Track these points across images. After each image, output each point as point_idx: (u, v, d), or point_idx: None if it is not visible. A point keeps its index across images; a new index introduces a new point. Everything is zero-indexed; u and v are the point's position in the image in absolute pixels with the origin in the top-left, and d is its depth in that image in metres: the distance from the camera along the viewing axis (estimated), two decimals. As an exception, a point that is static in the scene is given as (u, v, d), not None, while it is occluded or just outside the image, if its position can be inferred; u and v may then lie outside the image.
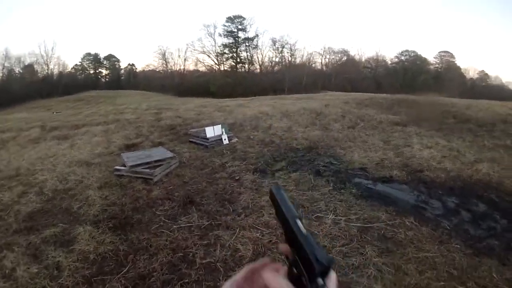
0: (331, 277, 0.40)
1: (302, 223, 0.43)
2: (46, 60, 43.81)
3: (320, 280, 0.38)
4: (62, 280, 2.75)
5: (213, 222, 3.40)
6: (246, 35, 45.14)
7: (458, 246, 2.95)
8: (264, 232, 3.16)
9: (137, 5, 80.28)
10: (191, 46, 47.79)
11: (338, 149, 6.22)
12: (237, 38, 45.08)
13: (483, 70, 46.19)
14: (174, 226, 3.31)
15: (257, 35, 45.01)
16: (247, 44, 45.24)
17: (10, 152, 7.12)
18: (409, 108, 11.10)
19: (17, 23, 70.53)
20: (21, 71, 42.41)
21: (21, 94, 32.96)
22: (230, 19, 44.91)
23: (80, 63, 51.45)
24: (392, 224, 3.31)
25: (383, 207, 3.67)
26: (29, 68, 42.87)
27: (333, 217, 3.44)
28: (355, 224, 3.31)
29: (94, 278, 2.75)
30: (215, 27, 45.22)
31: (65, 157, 6.25)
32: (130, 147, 6.92)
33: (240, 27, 44.97)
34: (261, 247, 2.93)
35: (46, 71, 43.74)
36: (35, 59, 43.62)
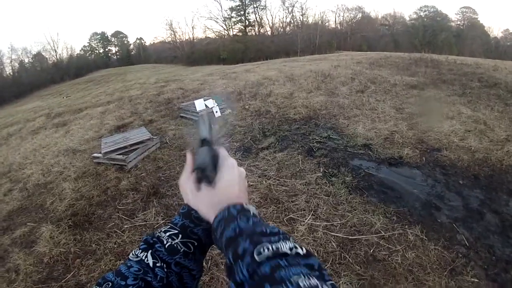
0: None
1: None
2: (53, 46, 43.51)
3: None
4: (16, 285, 2.60)
5: (168, 221, 3.02)
6: (253, -4, 41.76)
7: (476, 279, 2.11)
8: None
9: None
10: (197, 13, 46.15)
11: (341, 118, 5.46)
12: (243, 0, 41.88)
13: (507, 29, 41.84)
14: (126, 226, 2.96)
15: (264, -5, 41.57)
16: (255, 6, 41.97)
17: (10, 146, 6.92)
18: (429, 68, 9.65)
19: (16, 15, 69.51)
20: (31, 60, 42.20)
21: (34, 82, 32.77)
22: (235, -20, 41.51)
23: (88, 44, 51.11)
24: (388, 238, 2.50)
25: (382, 207, 2.89)
26: (38, 56, 42.18)
27: (311, 221, 2.75)
28: (336, 235, 2.57)
29: (41, 285, 2.54)
30: (220, -10, 42.34)
31: (56, 146, 5.96)
32: (120, 128, 6.60)
33: (246, -13, 41.54)
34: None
35: (55, 56, 43.55)
36: (41, 46, 43.45)
